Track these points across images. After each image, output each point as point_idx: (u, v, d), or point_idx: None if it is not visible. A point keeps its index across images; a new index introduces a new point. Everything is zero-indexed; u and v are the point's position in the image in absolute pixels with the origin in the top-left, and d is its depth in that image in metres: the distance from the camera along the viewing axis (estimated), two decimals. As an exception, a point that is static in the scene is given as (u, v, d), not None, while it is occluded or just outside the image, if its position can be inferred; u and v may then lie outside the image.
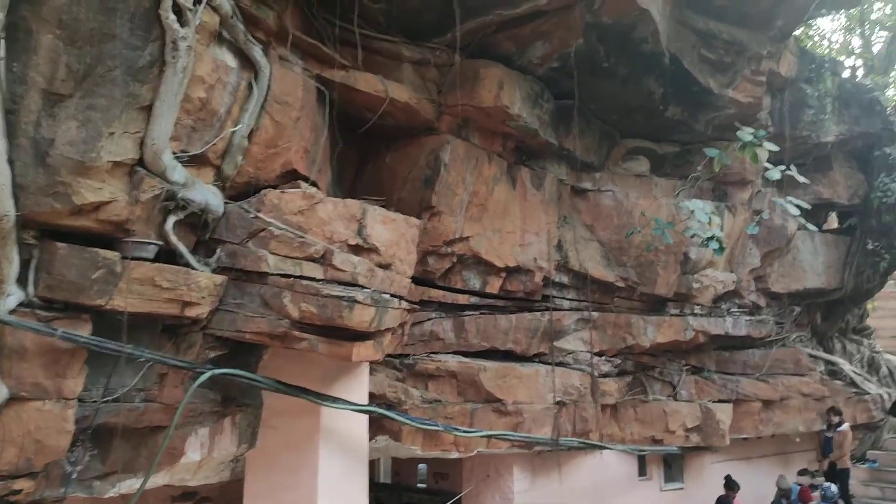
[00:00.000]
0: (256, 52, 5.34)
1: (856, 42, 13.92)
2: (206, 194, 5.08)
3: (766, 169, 8.03)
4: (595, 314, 9.05)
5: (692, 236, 8.02)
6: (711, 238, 7.83)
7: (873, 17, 13.55)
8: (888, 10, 13.84)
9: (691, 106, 9.03)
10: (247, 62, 5.32)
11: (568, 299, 9.02)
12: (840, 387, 11.84)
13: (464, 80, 7.09)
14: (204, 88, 4.92)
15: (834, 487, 10.21)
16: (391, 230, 5.78)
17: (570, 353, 8.87)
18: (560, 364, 8.67)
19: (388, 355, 7.15)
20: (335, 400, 5.88)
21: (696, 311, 9.75)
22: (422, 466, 10.68)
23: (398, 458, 7.94)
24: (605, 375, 9.15)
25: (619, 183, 9.35)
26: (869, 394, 12.12)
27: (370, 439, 6.70)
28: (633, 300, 9.42)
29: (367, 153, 7.43)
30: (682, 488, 10.27)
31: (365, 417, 6.45)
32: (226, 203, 5.29)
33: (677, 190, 9.40)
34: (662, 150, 9.73)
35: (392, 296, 5.65)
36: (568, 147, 8.48)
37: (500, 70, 7.24)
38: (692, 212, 7.83)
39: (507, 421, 7.87)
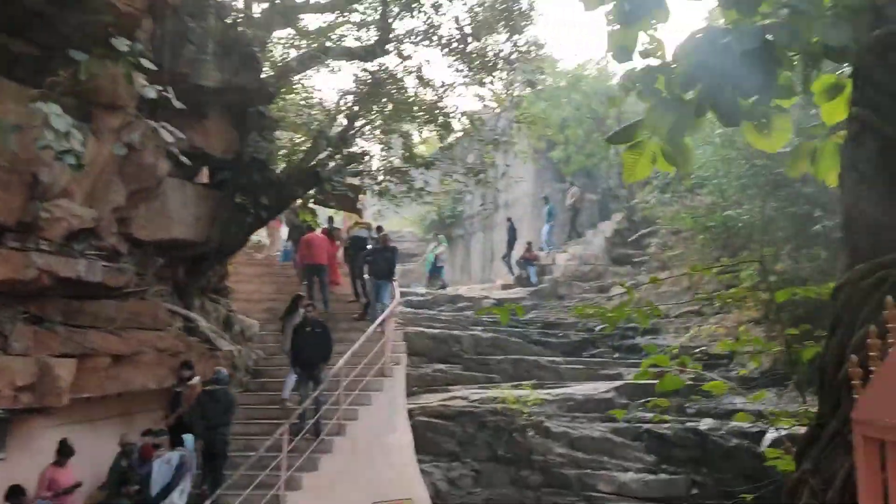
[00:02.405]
0: None
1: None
2: None
3: (143, 89, 7.12)
4: None
5: (44, 147, 6.55)
6: (68, 152, 6.52)
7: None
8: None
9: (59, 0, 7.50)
10: None
11: None
12: (196, 343, 11.66)
13: None
14: None
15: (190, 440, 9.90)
16: None
17: None
18: None
19: None
20: None
21: (42, 248, 8.14)
22: None
23: None
24: None
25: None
26: (221, 350, 12.25)
27: None
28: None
29: None
30: (3, 459, 8.50)
31: None
32: None
33: (33, 98, 7.71)
34: (17, 49, 7.92)
35: None
36: None
37: None
38: (47, 116, 6.40)
39: None
